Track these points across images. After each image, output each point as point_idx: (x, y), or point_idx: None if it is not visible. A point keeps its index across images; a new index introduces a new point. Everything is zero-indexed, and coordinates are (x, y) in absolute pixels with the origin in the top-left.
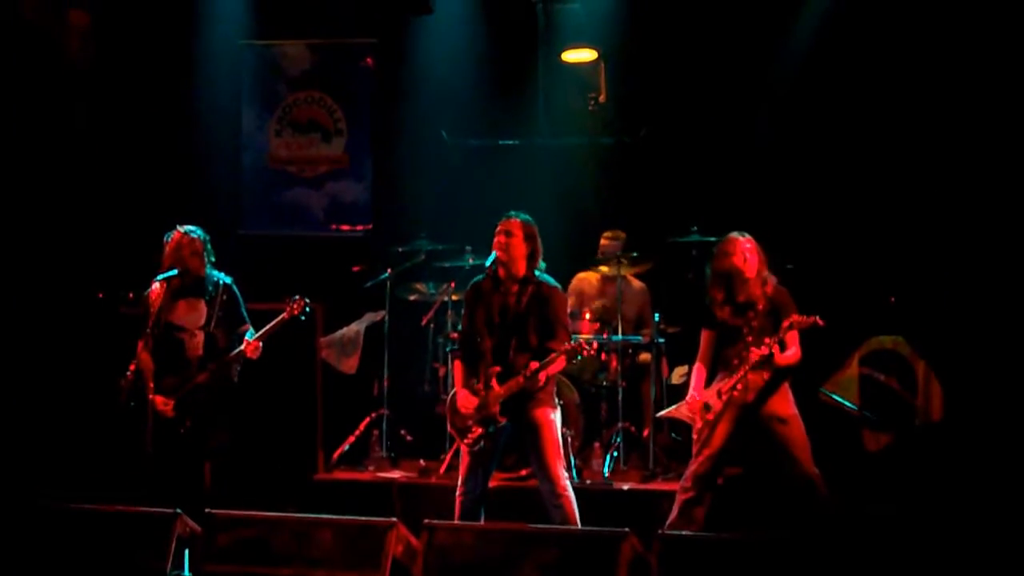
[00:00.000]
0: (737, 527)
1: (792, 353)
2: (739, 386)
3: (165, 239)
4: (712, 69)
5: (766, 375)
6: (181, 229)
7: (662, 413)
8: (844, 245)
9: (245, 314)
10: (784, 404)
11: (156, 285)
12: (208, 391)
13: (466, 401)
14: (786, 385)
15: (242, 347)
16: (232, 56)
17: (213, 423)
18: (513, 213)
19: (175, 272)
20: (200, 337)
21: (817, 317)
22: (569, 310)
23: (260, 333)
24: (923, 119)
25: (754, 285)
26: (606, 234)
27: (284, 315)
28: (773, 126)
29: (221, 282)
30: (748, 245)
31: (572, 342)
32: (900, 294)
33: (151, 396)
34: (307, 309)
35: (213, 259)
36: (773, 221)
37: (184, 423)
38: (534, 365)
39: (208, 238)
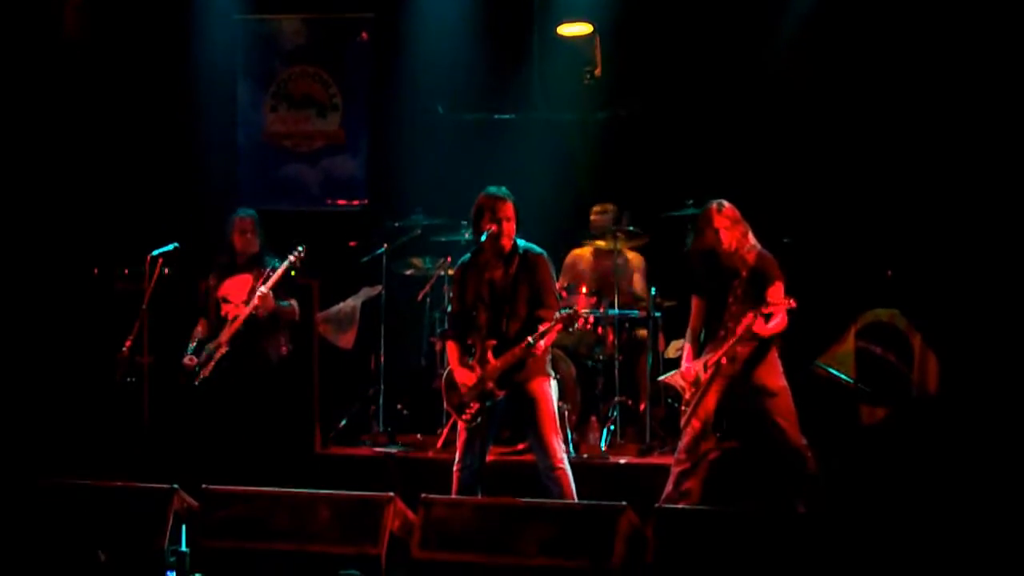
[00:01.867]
0: (734, 500)
1: (775, 324)
2: (724, 359)
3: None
4: (708, 42)
5: (753, 346)
6: (236, 214)
7: (661, 378)
8: (841, 218)
9: (288, 291)
10: (772, 376)
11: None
12: (236, 360)
13: (465, 378)
14: (775, 356)
15: (254, 301)
16: (227, 31)
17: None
18: (501, 194)
19: (173, 246)
20: (244, 310)
21: (792, 300)
22: (565, 284)
23: (268, 283)
24: (919, 91)
25: (734, 256)
26: (595, 208)
27: (289, 262)
28: (769, 98)
29: (272, 264)
30: (724, 220)
31: (568, 310)
32: (897, 267)
33: (185, 360)
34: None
35: (264, 239)
36: (769, 194)
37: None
38: (528, 340)
39: (254, 214)
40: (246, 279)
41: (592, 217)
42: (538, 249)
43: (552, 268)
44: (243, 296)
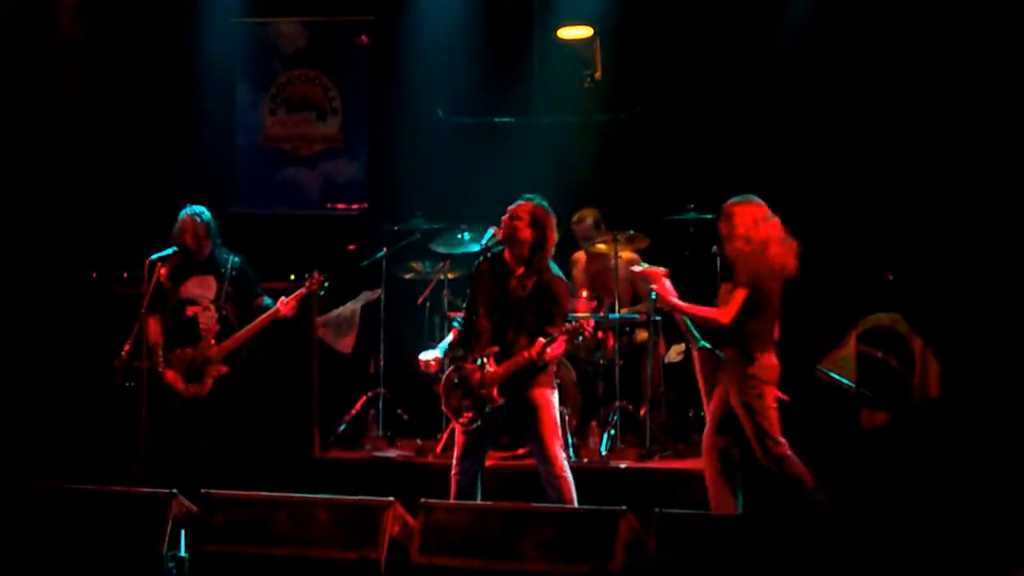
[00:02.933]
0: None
1: (708, 309)
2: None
3: (179, 217)
4: (708, 45)
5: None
6: (189, 210)
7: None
8: (841, 221)
9: (259, 288)
10: (733, 391)
11: (161, 266)
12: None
13: (428, 356)
14: (741, 367)
15: (275, 307)
16: (226, 34)
17: (222, 398)
18: (529, 196)
19: (172, 250)
20: (213, 311)
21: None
22: None
23: (293, 295)
24: (919, 95)
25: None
26: (573, 218)
27: (303, 290)
28: (769, 102)
29: (231, 260)
30: (721, 216)
31: (572, 322)
32: (898, 270)
33: (162, 369)
34: (326, 284)
35: (219, 240)
36: (769, 198)
37: (195, 398)
38: (540, 343)
39: (210, 218)
40: (208, 280)
41: (573, 227)
42: (558, 272)
43: (568, 293)
44: (210, 296)
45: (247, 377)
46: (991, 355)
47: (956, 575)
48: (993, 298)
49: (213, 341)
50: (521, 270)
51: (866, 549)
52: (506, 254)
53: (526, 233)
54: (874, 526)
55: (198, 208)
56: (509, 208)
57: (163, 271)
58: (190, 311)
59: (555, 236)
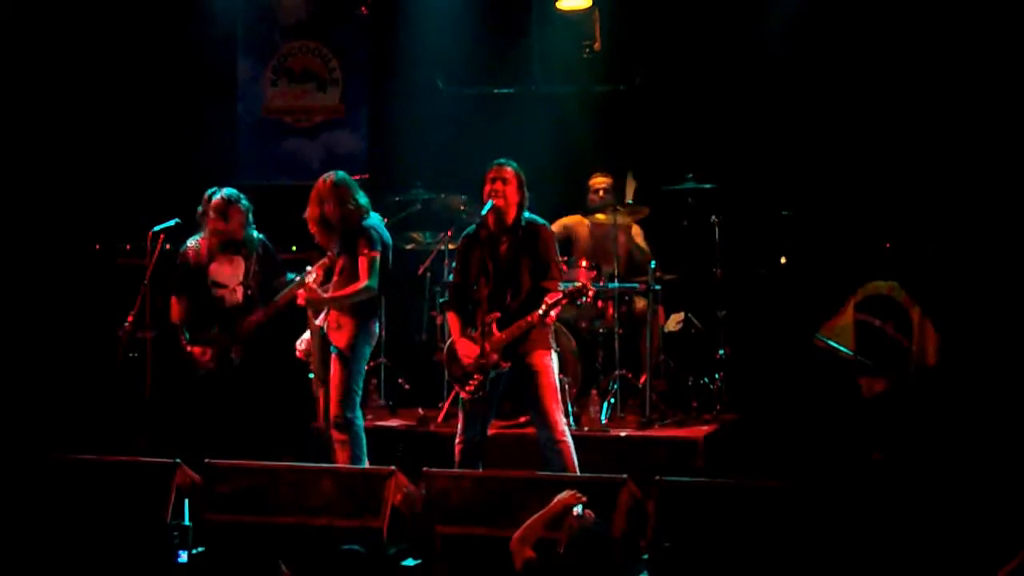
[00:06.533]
0: (735, 473)
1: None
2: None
3: (207, 194)
4: (708, 14)
5: None
6: (223, 195)
7: None
8: (840, 191)
9: (282, 265)
10: None
11: (191, 242)
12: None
13: (467, 349)
14: None
15: (289, 289)
16: (227, 5)
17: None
18: (503, 160)
19: (175, 222)
20: (240, 292)
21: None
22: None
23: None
24: (918, 64)
25: None
26: (599, 181)
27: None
28: (769, 71)
29: (256, 239)
30: None
31: (574, 284)
32: (896, 239)
33: (188, 348)
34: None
35: (252, 221)
36: (769, 168)
37: (227, 370)
38: (545, 304)
39: (249, 204)
40: (236, 261)
41: (597, 192)
42: (540, 220)
43: (555, 239)
44: (238, 279)
45: (256, 360)
46: (989, 323)
47: (947, 568)
48: (992, 266)
49: (237, 319)
50: (507, 232)
51: (864, 518)
52: (491, 221)
53: (515, 196)
54: (873, 495)
55: (231, 192)
56: (489, 173)
57: (191, 251)
58: (218, 293)
59: (527, 195)
